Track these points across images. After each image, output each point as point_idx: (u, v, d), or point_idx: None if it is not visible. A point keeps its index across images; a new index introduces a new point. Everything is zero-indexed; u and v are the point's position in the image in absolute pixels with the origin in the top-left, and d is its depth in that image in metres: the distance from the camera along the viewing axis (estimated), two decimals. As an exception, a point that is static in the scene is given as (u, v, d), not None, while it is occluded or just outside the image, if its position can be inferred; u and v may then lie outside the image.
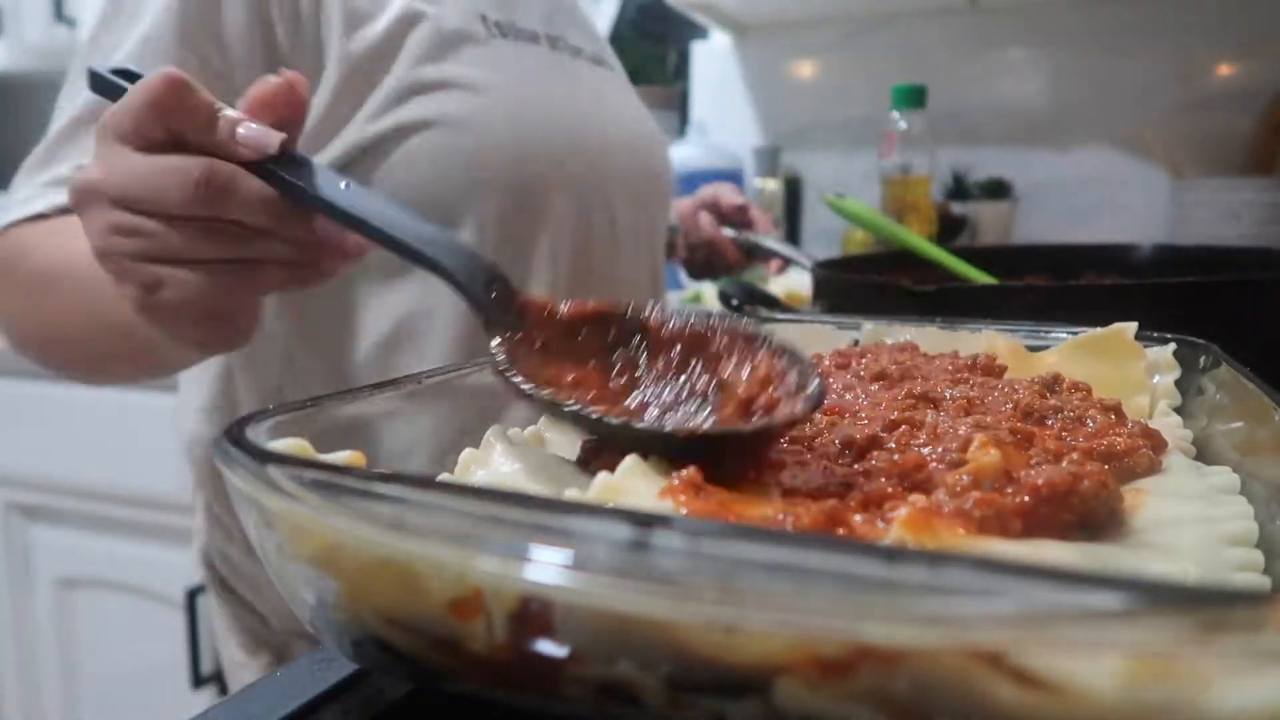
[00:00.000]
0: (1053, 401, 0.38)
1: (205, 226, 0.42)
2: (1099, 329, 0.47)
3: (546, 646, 0.22)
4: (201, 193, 0.40)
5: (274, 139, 0.41)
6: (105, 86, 0.44)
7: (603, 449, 0.33)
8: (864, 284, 0.74)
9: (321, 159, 0.66)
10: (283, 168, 0.41)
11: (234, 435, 0.26)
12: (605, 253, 0.81)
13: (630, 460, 0.30)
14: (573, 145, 0.76)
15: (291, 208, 0.42)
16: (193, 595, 1.29)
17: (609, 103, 0.86)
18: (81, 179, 0.42)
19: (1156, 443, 0.35)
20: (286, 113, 0.43)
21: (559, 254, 0.76)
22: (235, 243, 0.42)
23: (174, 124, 0.40)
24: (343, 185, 0.41)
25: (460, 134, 0.69)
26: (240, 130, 0.41)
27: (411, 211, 0.41)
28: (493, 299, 0.38)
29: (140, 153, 0.41)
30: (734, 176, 1.64)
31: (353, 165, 0.68)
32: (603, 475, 0.29)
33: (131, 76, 0.44)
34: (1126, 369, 0.44)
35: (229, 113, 0.41)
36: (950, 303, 0.62)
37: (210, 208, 0.41)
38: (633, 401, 0.35)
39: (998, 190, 1.54)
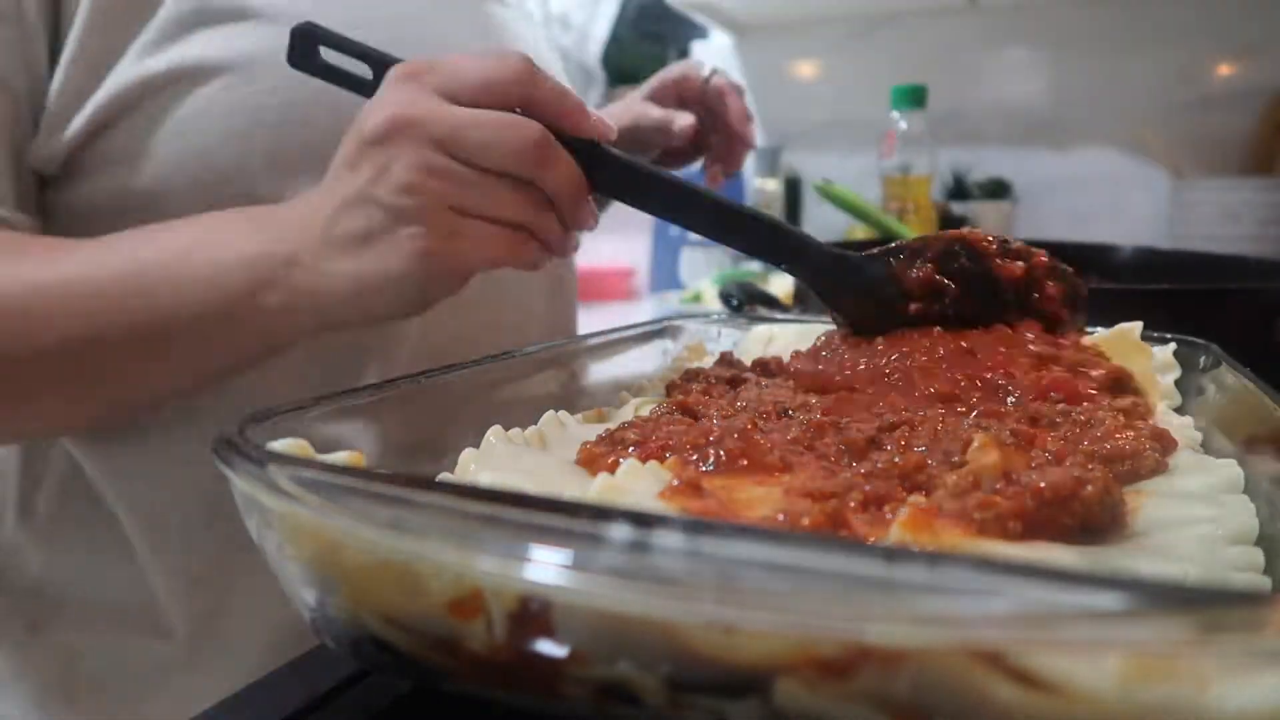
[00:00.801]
0: (1060, 405, 0.38)
1: (517, 186, 0.42)
2: (1102, 332, 0.47)
3: (546, 646, 0.22)
4: (536, 153, 0.41)
5: (614, 127, 0.44)
6: (318, 65, 0.45)
7: None
8: None
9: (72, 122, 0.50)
10: (604, 154, 0.44)
11: (234, 435, 0.26)
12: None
13: (630, 462, 0.30)
14: None
15: (591, 192, 0.45)
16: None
17: (496, 41, 0.65)
18: (401, 112, 0.41)
19: (1166, 444, 0.35)
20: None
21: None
22: (533, 210, 0.43)
23: (525, 103, 0.42)
24: (657, 173, 0.45)
25: (257, 84, 0.51)
26: (594, 116, 0.44)
27: (731, 202, 0.46)
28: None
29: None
30: (734, 176, 1.64)
31: (109, 126, 0.50)
32: (603, 476, 0.29)
33: (344, 46, 0.45)
34: (1136, 367, 0.44)
35: (573, 96, 0.44)
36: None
37: (536, 169, 0.42)
38: None
39: (998, 190, 1.54)
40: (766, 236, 0.47)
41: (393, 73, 0.43)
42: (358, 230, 0.42)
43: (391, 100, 0.41)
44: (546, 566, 0.20)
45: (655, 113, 0.76)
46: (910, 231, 0.86)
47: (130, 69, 0.50)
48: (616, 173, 0.45)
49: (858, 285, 0.47)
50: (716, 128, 0.77)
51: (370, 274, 0.42)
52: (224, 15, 0.51)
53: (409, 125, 0.41)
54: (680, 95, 0.78)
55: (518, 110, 0.42)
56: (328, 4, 0.52)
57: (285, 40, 0.46)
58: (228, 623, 0.55)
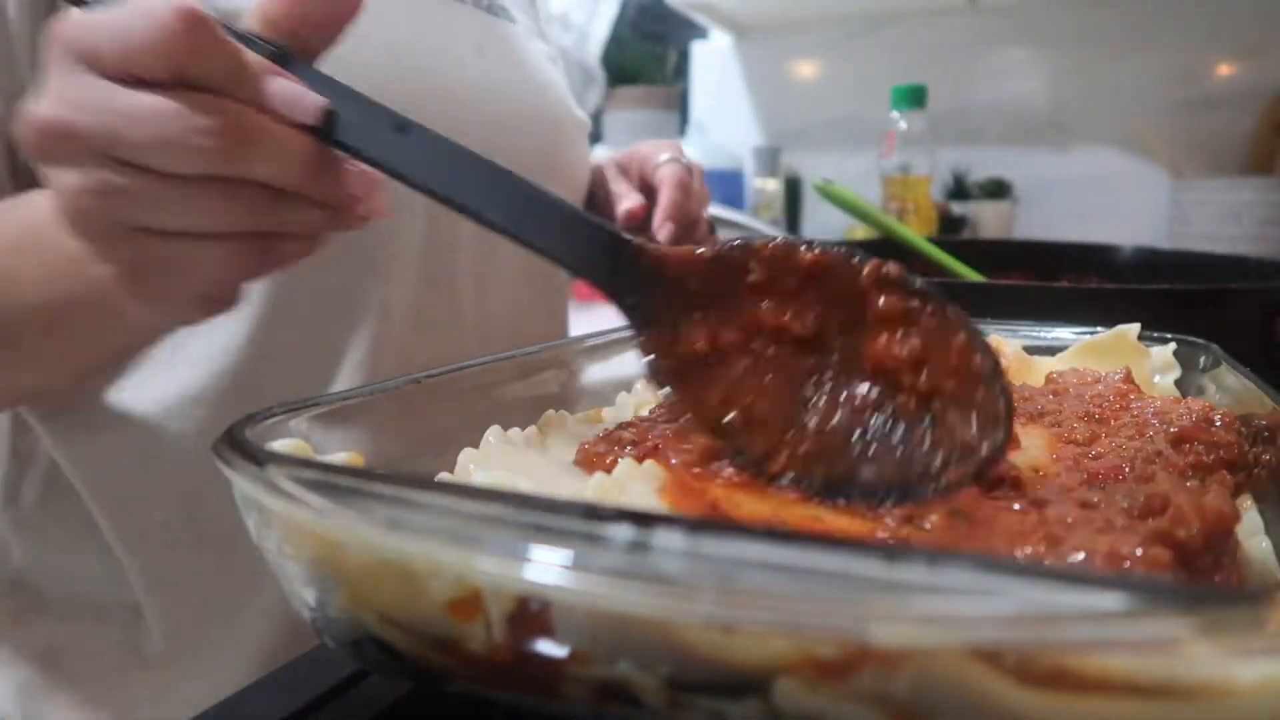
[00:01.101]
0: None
1: (222, 189, 0.31)
2: (1102, 333, 0.47)
3: (546, 647, 0.22)
4: (227, 146, 0.30)
5: (315, 104, 0.32)
6: None
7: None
8: None
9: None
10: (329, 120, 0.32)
11: (233, 435, 0.26)
12: (474, 251, 0.62)
13: (626, 461, 0.30)
14: (426, 114, 0.43)
15: (324, 154, 0.33)
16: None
17: (493, 61, 0.63)
18: (47, 117, 0.30)
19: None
20: (312, 30, 0.33)
21: (406, 259, 0.57)
22: (258, 209, 0.32)
23: (189, 71, 0.30)
24: (399, 130, 0.33)
25: None
26: (274, 89, 0.31)
27: (495, 166, 0.33)
28: (617, 271, 0.33)
29: (128, 88, 0.30)
30: (734, 176, 1.64)
31: None
32: (599, 475, 0.29)
33: None
34: (1135, 370, 0.44)
35: (252, 58, 0.31)
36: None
37: (234, 165, 0.31)
38: (808, 414, 0.31)
39: (998, 190, 1.54)
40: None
41: (53, 45, 0.31)
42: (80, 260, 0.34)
43: (46, 97, 0.31)
44: (546, 566, 0.20)
45: (611, 186, 0.73)
46: (910, 232, 0.86)
47: None
48: (362, 130, 0.33)
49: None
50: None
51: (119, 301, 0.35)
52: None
53: (60, 134, 0.30)
54: (641, 177, 0.73)
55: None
56: None
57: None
58: (208, 625, 0.55)
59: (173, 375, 0.52)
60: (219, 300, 0.35)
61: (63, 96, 0.30)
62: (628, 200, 0.70)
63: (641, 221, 0.69)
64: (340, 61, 0.35)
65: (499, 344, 0.63)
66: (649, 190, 0.72)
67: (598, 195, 0.74)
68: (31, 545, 0.57)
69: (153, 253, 0.32)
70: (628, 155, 0.75)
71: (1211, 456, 0.32)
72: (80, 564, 0.56)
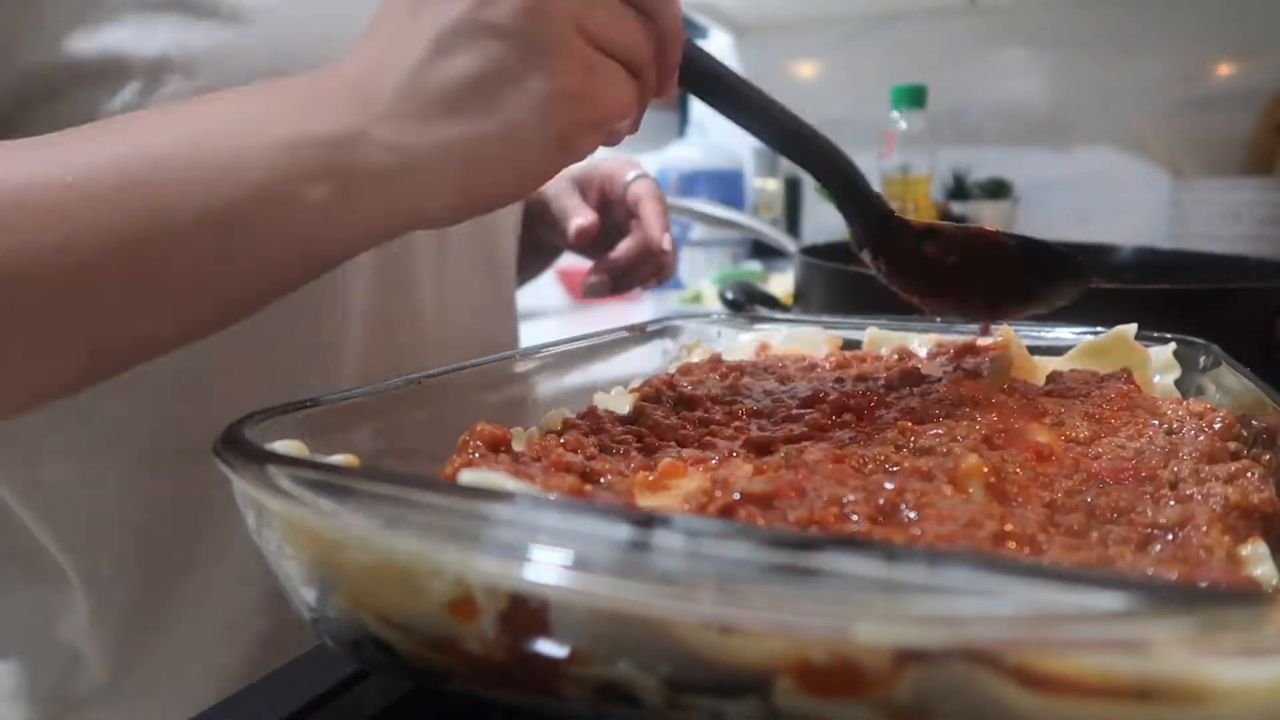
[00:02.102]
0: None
1: (637, 16, 0.35)
2: (1103, 334, 0.47)
3: (545, 647, 0.22)
4: (671, 47, 0.37)
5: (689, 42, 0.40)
6: None
7: None
8: (843, 273, 0.73)
9: None
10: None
11: (233, 435, 0.26)
12: (431, 251, 0.59)
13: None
14: None
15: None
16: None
17: None
18: (556, 5, 0.32)
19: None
20: None
21: (363, 261, 0.52)
22: (650, 50, 0.37)
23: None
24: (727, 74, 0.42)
25: (197, 84, 0.43)
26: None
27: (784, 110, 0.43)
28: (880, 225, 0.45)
29: None
30: (734, 176, 1.64)
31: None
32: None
33: None
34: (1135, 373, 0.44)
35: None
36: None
37: (671, 69, 0.38)
38: None
39: (998, 190, 1.54)
40: (827, 163, 0.44)
41: None
42: (464, 76, 0.32)
43: None
44: (545, 566, 0.20)
45: (562, 200, 0.70)
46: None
47: (36, 53, 0.41)
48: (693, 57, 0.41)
49: (902, 248, 0.45)
50: (634, 234, 0.70)
51: (484, 135, 0.33)
52: (165, 3, 0.43)
53: (565, 19, 0.32)
54: (603, 194, 0.72)
55: None
56: (303, 8, 0.46)
57: (234, 40, 0.42)
58: (156, 661, 0.52)
59: (122, 390, 0.43)
60: (617, 127, 0.38)
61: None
62: (580, 217, 0.68)
63: (591, 241, 0.69)
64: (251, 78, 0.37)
65: (459, 342, 0.61)
66: (606, 206, 0.71)
67: (533, 206, 0.72)
68: None
69: (591, 60, 0.33)
70: (586, 171, 0.72)
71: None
72: (14, 604, 0.53)
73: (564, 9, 0.32)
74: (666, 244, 0.68)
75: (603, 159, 0.71)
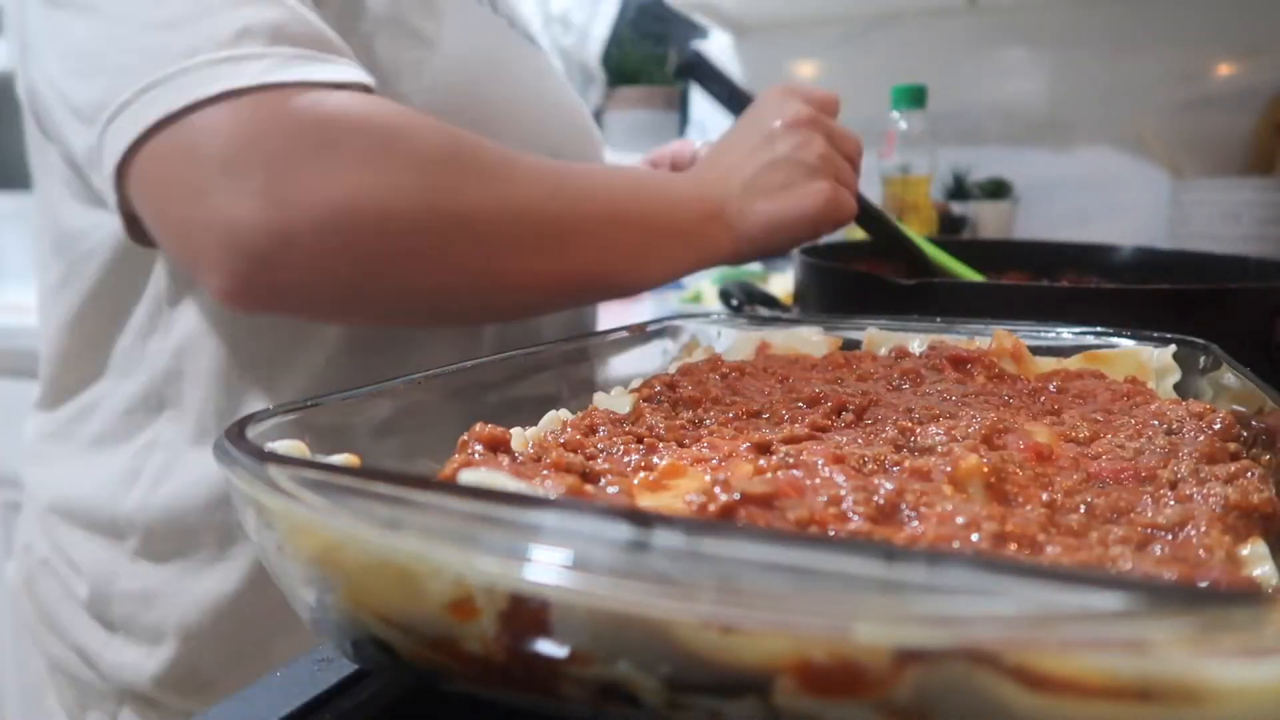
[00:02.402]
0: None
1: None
2: (1106, 350, 0.47)
3: (545, 647, 0.22)
4: (858, 146, 0.69)
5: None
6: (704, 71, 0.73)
7: None
8: (842, 273, 0.74)
9: None
10: None
11: (233, 435, 0.26)
12: None
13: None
14: (512, 135, 0.60)
15: None
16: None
17: (547, 84, 0.74)
18: (808, 112, 0.64)
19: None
20: None
21: None
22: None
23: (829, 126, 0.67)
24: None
25: (394, 96, 0.55)
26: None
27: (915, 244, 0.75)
28: None
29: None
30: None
31: None
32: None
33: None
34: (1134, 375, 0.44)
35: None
36: (932, 298, 0.62)
37: (858, 156, 0.69)
38: None
39: (998, 190, 1.53)
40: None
41: (778, 89, 0.66)
42: (777, 183, 0.63)
43: (793, 104, 0.64)
44: (545, 566, 0.20)
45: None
46: (910, 231, 0.86)
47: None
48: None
49: None
50: None
51: (786, 212, 0.62)
52: (384, 21, 0.59)
53: (814, 121, 0.64)
54: (674, 166, 0.86)
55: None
56: (472, 42, 0.65)
57: (427, 58, 0.59)
58: None
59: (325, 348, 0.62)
60: (849, 214, 0.67)
61: (807, 108, 0.65)
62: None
63: None
64: (432, 91, 0.59)
65: (444, 348, 0.66)
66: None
67: None
68: None
69: (843, 180, 0.66)
70: (656, 155, 0.89)
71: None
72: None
73: (831, 158, 0.65)
74: None
75: (669, 144, 0.91)
